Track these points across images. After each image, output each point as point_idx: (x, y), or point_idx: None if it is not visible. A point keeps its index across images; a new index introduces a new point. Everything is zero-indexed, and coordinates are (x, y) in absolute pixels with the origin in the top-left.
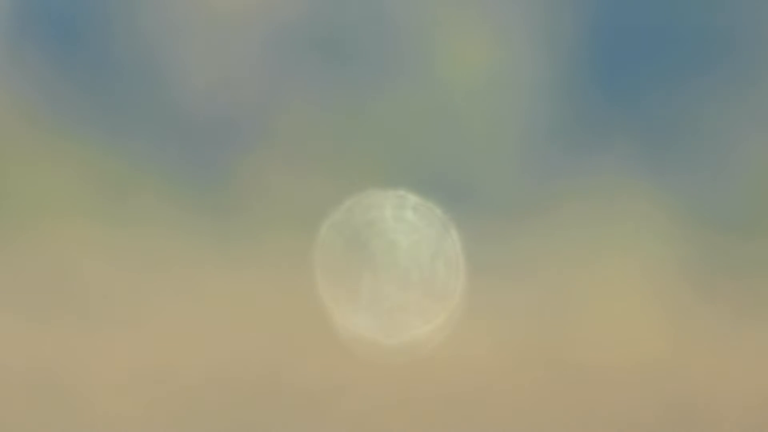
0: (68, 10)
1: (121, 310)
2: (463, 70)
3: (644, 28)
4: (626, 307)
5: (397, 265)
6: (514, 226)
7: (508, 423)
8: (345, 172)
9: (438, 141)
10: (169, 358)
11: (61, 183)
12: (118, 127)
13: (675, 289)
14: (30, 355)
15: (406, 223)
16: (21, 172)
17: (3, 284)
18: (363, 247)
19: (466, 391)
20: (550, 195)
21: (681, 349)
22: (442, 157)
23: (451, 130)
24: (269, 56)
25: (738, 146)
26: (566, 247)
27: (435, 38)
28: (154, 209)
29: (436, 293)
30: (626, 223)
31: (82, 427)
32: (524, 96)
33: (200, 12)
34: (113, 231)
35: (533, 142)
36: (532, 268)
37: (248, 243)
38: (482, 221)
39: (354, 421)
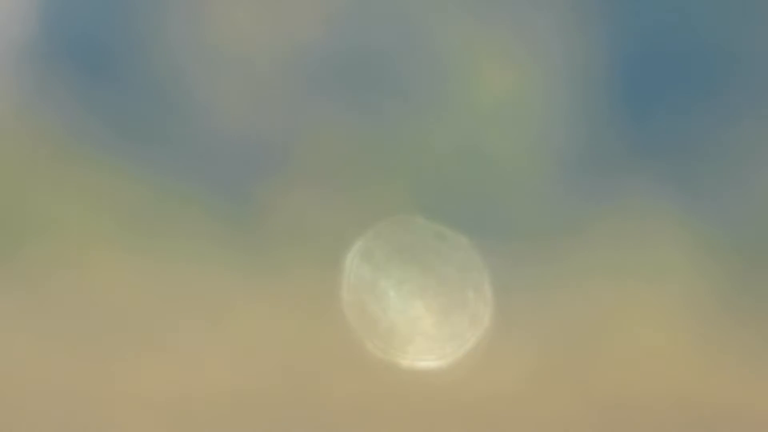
0: (94, 38)
1: (145, 338)
2: (490, 94)
3: (672, 52)
4: (655, 333)
5: (423, 292)
6: (541, 250)
7: None
8: (370, 198)
9: (464, 166)
10: (193, 386)
11: (87, 211)
12: (143, 156)
13: (705, 315)
14: (54, 380)
15: (432, 250)
16: (48, 200)
17: (29, 310)
18: (389, 273)
19: (494, 417)
20: (577, 218)
21: (710, 378)
22: (468, 182)
23: (477, 154)
24: (295, 81)
25: (766, 175)
26: (594, 271)
27: (462, 62)
28: (180, 238)
29: (464, 319)
30: (654, 247)
31: None
32: (552, 119)
33: (226, 38)
34: (138, 259)
35: (561, 165)
36: (560, 292)
37: (274, 270)
38: (509, 246)
39: None
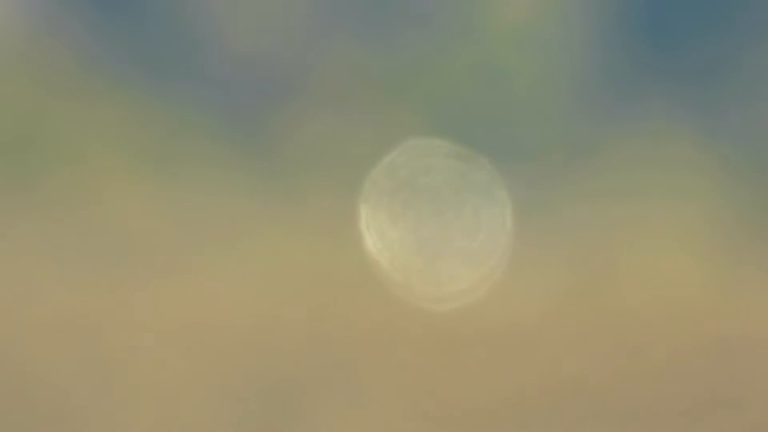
0: None
1: (164, 265)
2: (507, 16)
3: None
4: (674, 254)
5: (443, 214)
6: (560, 172)
7: (549, 367)
8: (387, 122)
9: (484, 89)
10: (213, 311)
11: (104, 140)
12: (159, 86)
13: (724, 236)
14: (75, 305)
15: (451, 172)
16: (66, 130)
17: (48, 238)
18: (409, 196)
19: (511, 338)
20: (596, 140)
21: (729, 294)
22: (488, 105)
23: (497, 77)
24: (309, 7)
25: None
26: (612, 193)
27: None
28: (197, 166)
29: (483, 240)
30: (674, 167)
31: (119, 377)
32: (571, 43)
33: None
34: (156, 187)
35: (579, 88)
36: (578, 214)
37: (291, 196)
38: (528, 168)
39: (400, 368)
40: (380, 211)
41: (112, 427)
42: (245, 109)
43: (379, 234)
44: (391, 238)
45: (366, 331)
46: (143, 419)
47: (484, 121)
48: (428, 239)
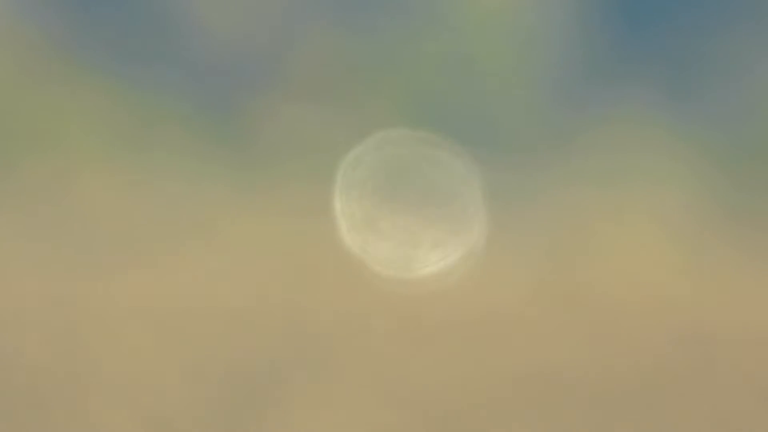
0: None
1: (139, 252)
2: (486, 6)
3: None
4: (648, 239)
5: (417, 201)
6: (536, 159)
7: (524, 355)
8: (363, 111)
9: (459, 76)
10: (186, 298)
11: (80, 128)
12: (135, 73)
13: (700, 220)
14: (49, 290)
15: (426, 159)
16: (42, 116)
17: (22, 226)
18: (383, 183)
19: (485, 324)
20: (571, 127)
21: (703, 282)
22: (463, 92)
23: (472, 64)
24: None
25: (757, 95)
26: (588, 179)
27: None
28: (173, 150)
29: (457, 227)
30: (648, 154)
31: (95, 364)
32: (547, 30)
33: None
34: (131, 175)
35: (555, 74)
36: (554, 201)
37: (266, 181)
38: (504, 156)
39: (374, 355)
40: (355, 200)
41: (87, 413)
42: (221, 96)
43: (354, 222)
44: (366, 227)
45: (340, 318)
46: (119, 405)
47: (460, 109)
48: (403, 227)
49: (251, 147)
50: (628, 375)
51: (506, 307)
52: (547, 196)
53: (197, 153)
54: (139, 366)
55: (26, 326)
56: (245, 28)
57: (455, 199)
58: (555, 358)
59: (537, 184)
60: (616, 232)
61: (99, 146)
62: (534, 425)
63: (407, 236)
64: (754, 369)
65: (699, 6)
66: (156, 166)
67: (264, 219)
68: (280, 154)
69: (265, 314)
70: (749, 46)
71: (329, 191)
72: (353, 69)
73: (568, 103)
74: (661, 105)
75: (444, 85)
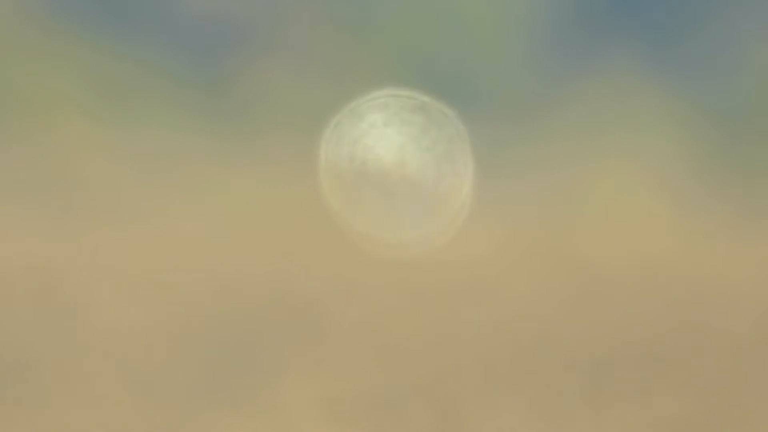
0: None
1: (124, 209)
2: None
3: None
4: (632, 206)
5: (404, 164)
6: (522, 126)
7: (512, 321)
8: (350, 75)
9: (444, 44)
10: (171, 256)
11: (65, 84)
12: (123, 31)
13: (681, 188)
14: (32, 251)
15: (412, 124)
16: (26, 73)
17: (6, 183)
18: (369, 147)
19: (472, 289)
20: (557, 96)
21: (688, 247)
22: (448, 61)
23: (457, 33)
24: None
25: (745, 48)
26: (573, 147)
27: None
28: (159, 111)
29: (444, 192)
30: (633, 123)
31: (82, 325)
32: None
33: None
34: (117, 131)
35: (541, 43)
36: (540, 168)
37: (253, 145)
38: (489, 122)
39: (360, 320)
40: (340, 160)
41: (70, 373)
42: (204, 52)
43: (339, 183)
44: (351, 188)
45: (327, 281)
46: (103, 366)
47: (447, 71)
48: (389, 188)
49: (237, 111)
50: (615, 336)
51: (492, 269)
52: (534, 163)
53: (181, 106)
54: (123, 327)
55: (7, 286)
56: None
57: (442, 160)
58: (545, 320)
59: (524, 151)
60: (601, 196)
61: (81, 99)
62: (522, 388)
63: (394, 200)
64: (748, 330)
65: None
66: (140, 120)
67: (249, 180)
68: (267, 112)
69: (250, 276)
70: (736, 17)
71: (314, 149)
72: (339, 27)
73: (556, 68)
74: (648, 76)
75: (431, 48)
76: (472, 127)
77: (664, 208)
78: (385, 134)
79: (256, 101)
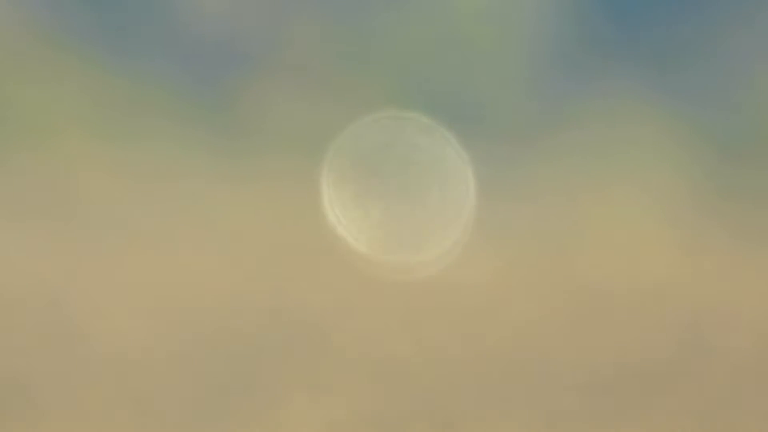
0: None
1: (125, 225)
2: None
3: None
4: (633, 229)
5: (405, 186)
6: (523, 148)
7: (513, 342)
8: (352, 94)
9: (447, 65)
10: (173, 275)
11: (68, 101)
12: (125, 47)
13: (681, 212)
14: (33, 268)
15: (415, 145)
16: (29, 90)
17: (8, 199)
18: (371, 167)
19: (473, 310)
20: (559, 118)
21: (687, 270)
22: (450, 81)
23: (459, 54)
24: None
25: (746, 73)
26: (574, 169)
27: None
28: (161, 128)
29: (445, 214)
30: (633, 146)
31: (84, 345)
32: (533, 20)
33: None
34: (120, 149)
35: (542, 66)
36: (541, 189)
37: (255, 163)
38: (491, 144)
39: (360, 339)
40: (343, 182)
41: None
42: (206, 72)
43: (340, 203)
44: (352, 208)
45: (329, 303)
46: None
47: (449, 93)
48: (391, 211)
49: (240, 131)
50: (616, 357)
51: (494, 291)
52: (535, 185)
53: (184, 124)
54: (125, 347)
55: (9, 304)
56: (235, 7)
57: (444, 183)
58: (546, 341)
59: (525, 173)
60: (603, 218)
61: (84, 116)
62: (523, 409)
63: (396, 221)
64: (747, 352)
65: (686, 2)
66: (142, 137)
67: (252, 205)
68: (269, 135)
69: (253, 298)
70: (739, 40)
71: (317, 173)
72: (342, 48)
73: (558, 91)
74: (649, 99)
75: (433, 70)
76: (474, 149)
77: (665, 230)
78: (386, 156)
79: (258, 120)
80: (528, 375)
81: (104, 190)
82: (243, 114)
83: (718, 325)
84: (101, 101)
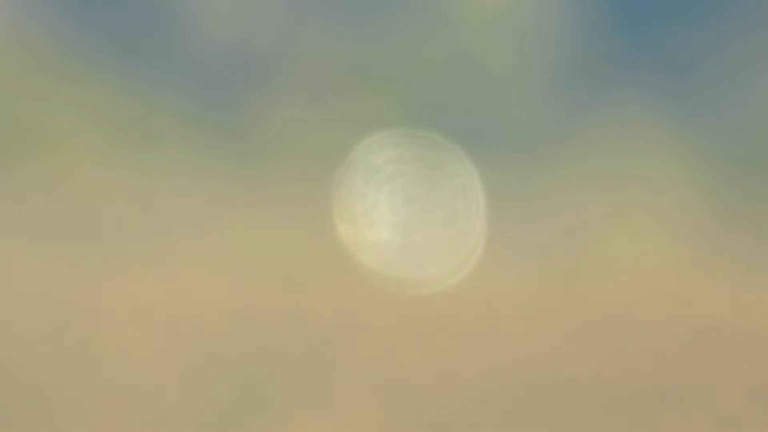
0: None
1: (137, 251)
2: (485, 6)
3: None
4: (646, 241)
5: (418, 202)
6: (535, 161)
7: (525, 358)
8: (362, 110)
9: (458, 78)
10: (185, 297)
11: (78, 124)
12: (138, 73)
13: (697, 223)
14: (47, 287)
15: (426, 161)
16: (38, 116)
17: (21, 225)
18: (383, 184)
19: (487, 325)
20: (570, 130)
21: (700, 281)
22: (462, 95)
23: (471, 66)
24: None
25: (759, 83)
26: (586, 181)
27: None
28: (171, 151)
29: (458, 229)
30: (646, 157)
31: (100, 363)
32: (545, 31)
33: None
34: (132, 175)
35: (554, 77)
36: (553, 202)
37: (266, 182)
38: (503, 157)
39: (374, 357)
40: (354, 199)
41: (85, 411)
42: (220, 94)
43: (354, 222)
44: (365, 226)
45: (339, 319)
46: (116, 403)
47: (459, 109)
48: (402, 227)
49: (251, 145)
50: (629, 375)
51: (505, 308)
52: (546, 198)
53: (197, 149)
54: (137, 364)
55: (25, 323)
56: (246, 27)
57: (455, 199)
58: (556, 358)
59: (537, 186)
60: (614, 234)
61: (99, 142)
62: (534, 425)
63: (408, 237)
64: (761, 370)
65: (698, 11)
66: (156, 162)
67: (263, 218)
68: (280, 152)
69: (264, 314)
70: (749, 53)
71: (329, 190)
72: (353, 68)
73: (568, 105)
74: (660, 109)
75: (444, 86)
76: (485, 165)
77: (680, 245)
78: (397, 172)
79: (271, 143)
80: (540, 391)
81: (116, 217)
82: (255, 137)
83: (734, 342)
84: (112, 127)
